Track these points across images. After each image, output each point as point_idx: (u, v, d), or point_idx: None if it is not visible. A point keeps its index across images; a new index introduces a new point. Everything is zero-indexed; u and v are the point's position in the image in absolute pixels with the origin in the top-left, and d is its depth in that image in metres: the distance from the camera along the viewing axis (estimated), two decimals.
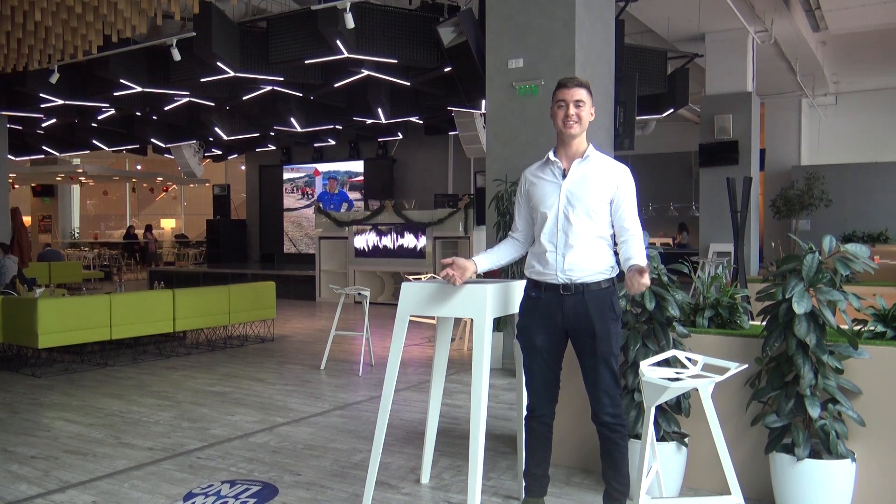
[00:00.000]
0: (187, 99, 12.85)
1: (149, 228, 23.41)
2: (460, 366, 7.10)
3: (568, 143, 3.09)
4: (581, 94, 3.05)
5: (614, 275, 3.09)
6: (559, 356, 3.17)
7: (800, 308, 3.13)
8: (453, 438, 4.63)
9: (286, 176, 19.81)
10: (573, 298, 3.03)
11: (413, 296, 3.28)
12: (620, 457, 3.06)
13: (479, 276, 3.27)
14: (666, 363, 3.27)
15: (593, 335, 3.01)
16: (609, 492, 3.11)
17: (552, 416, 3.23)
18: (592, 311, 3.00)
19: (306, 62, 9.84)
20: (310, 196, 19.27)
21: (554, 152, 3.13)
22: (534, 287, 3.15)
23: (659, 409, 3.47)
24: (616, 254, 3.12)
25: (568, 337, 3.12)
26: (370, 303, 8.08)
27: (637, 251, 3.01)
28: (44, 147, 18.14)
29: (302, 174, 19.55)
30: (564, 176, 3.08)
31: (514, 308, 3.48)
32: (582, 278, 3.02)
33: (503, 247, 3.33)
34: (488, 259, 3.28)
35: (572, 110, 3.03)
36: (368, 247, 13.30)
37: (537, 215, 3.14)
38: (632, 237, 3.05)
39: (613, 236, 3.11)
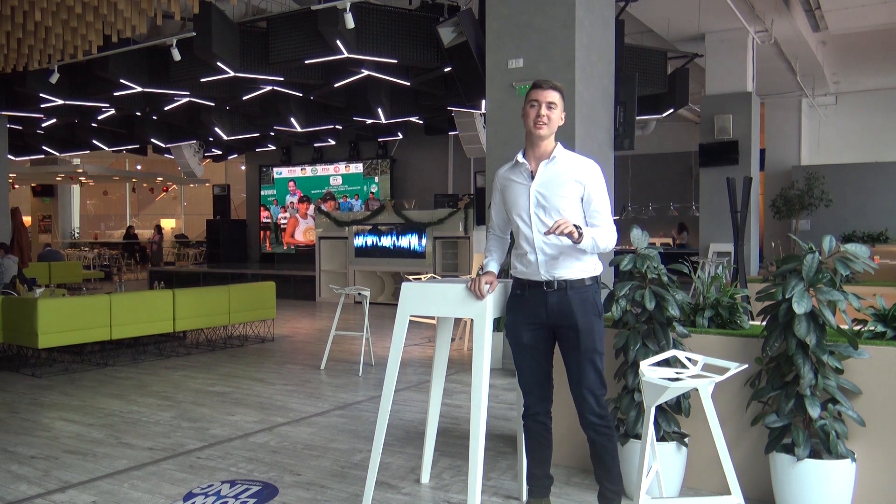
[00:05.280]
0: (187, 99, 12.85)
1: (158, 229, 23.38)
2: (460, 366, 7.10)
3: (536, 144, 3.11)
4: (554, 96, 3.07)
5: (598, 273, 3.13)
6: (548, 354, 3.19)
7: (800, 308, 3.13)
8: (453, 438, 4.63)
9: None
10: (556, 295, 3.05)
11: (413, 296, 3.29)
12: (610, 458, 3.07)
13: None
14: (666, 363, 3.27)
15: (576, 329, 3.03)
16: (603, 492, 3.12)
17: (548, 415, 3.23)
18: (575, 305, 3.03)
19: (306, 62, 9.84)
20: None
21: (523, 154, 3.15)
22: (519, 286, 3.18)
23: (659, 409, 3.47)
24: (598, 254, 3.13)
25: (555, 335, 3.14)
26: (370, 303, 8.08)
27: (597, 232, 3.01)
28: (44, 147, 18.14)
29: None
30: (532, 178, 3.09)
31: None
32: (565, 276, 3.05)
33: (497, 246, 3.35)
34: (497, 262, 3.32)
35: (544, 111, 3.05)
36: (368, 247, 13.31)
37: (512, 216, 3.16)
38: (600, 227, 3.07)
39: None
